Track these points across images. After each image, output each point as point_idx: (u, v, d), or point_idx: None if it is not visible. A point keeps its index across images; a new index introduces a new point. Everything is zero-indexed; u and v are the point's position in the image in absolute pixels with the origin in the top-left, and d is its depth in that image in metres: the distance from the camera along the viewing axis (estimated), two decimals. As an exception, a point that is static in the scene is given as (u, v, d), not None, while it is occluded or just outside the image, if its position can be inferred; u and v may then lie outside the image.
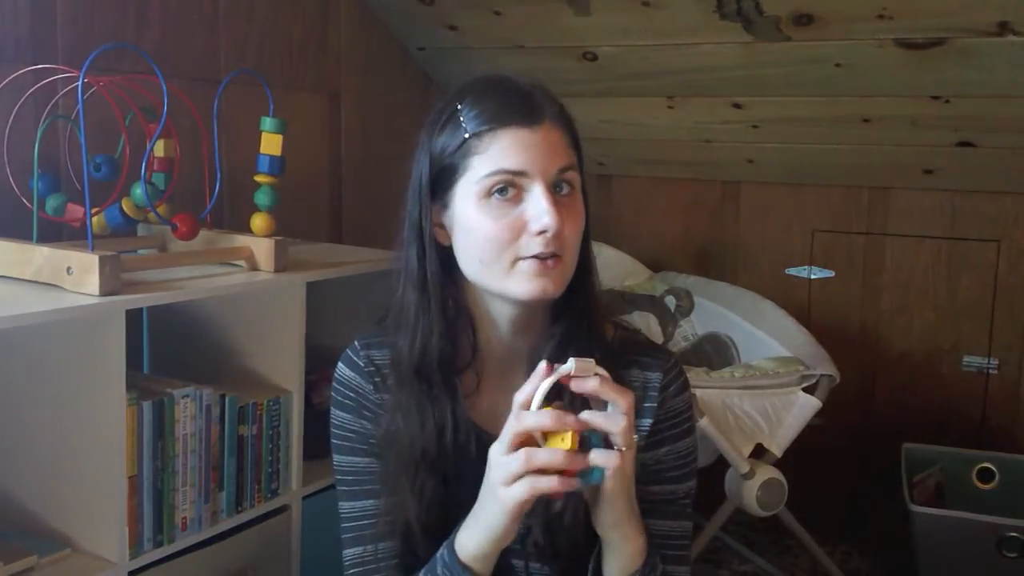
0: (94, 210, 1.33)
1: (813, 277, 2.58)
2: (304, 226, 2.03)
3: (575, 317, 1.01)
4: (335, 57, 2.19)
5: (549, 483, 0.86)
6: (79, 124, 1.25)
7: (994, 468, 2.30)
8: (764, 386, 2.01)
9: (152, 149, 1.42)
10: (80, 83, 1.23)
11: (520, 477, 0.86)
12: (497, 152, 0.94)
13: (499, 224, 0.94)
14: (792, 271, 2.60)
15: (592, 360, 0.89)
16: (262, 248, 1.50)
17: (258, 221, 1.52)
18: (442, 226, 1.01)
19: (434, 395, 1.01)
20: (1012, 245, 2.36)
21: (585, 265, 1.02)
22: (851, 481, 2.57)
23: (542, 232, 0.92)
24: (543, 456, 0.86)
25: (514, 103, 0.96)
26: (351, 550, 1.08)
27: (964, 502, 2.21)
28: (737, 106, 2.25)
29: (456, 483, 1.01)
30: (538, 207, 0.93)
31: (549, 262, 0.94)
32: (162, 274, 1.40)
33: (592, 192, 2.79)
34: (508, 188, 0.94)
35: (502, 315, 1.01)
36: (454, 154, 0.96)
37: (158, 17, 1.77)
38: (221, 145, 1.55)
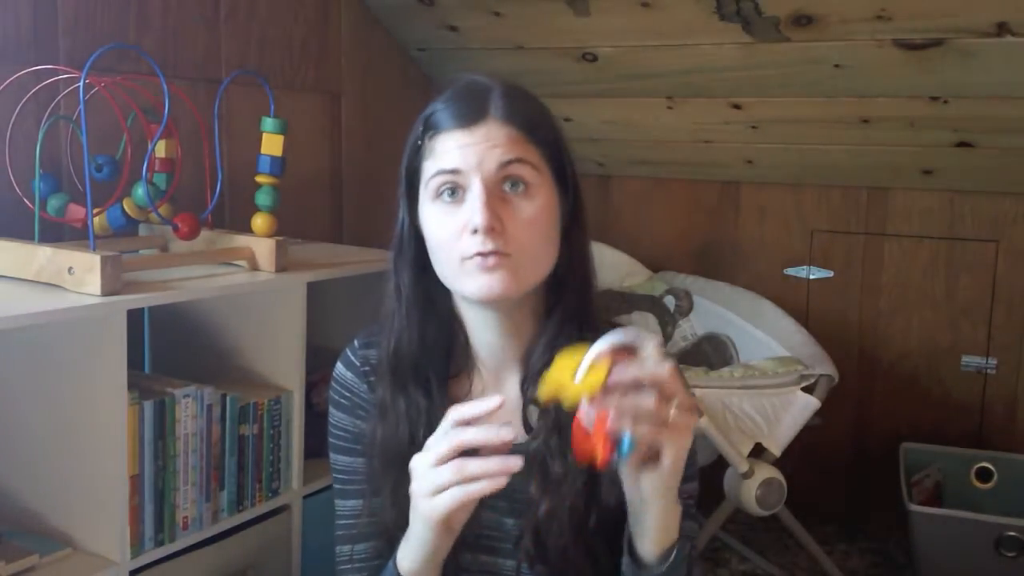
0: (96, 210, 1.33)
1: (812, 277, 2.58)
2: (305, 226, 2.04)
3: (566, 319, 1.00)
4: (336, 58, 2.20)
5: (479, 487, 0.83)
6: (81, 125, 1.25)
7: (992, 468, 2.30)
8: (763, 386, 2.02)
9: (153, 149, 1.42)
10: (82, 84, 1.23)
11: (446, 488, 0.84)
12: (437, 155, 0.95)
13: (445, 225, 0.95)
14: (791, 271, 2.60)
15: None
16: (263, 248, 1.51)
17: (259, 221, 1.53)
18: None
19: (409, 396, 1.02)
20: (1010, 245, 2.36)
21: (577, 264, 1.01)
22: (850, 480, 2.57)
23: (475, 230, 0.92)
24: (475, 467, 0.83)
25: (458, 106, 0.96)
26: (340, 547, 1.10)
27: (962, 502, 2.21)
28: (736, 107, 2.26)
29: None
30: (472, 205, 0.92)
31: (490, 260, 0.92)
32: (163, 274, 1.40)
33: (592, 192, 2.83)
34: (455, 189, 0.94)
35: (484, 318, 1.01)
36: (415, 159, 0.98)
37: (159, 18, 1.78)
38: (222, 145, 1.55)
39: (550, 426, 0.98)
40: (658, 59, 2.14)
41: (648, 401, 0.80)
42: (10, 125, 1.40)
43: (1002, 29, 1.74)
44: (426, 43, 2.36)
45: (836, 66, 1.98)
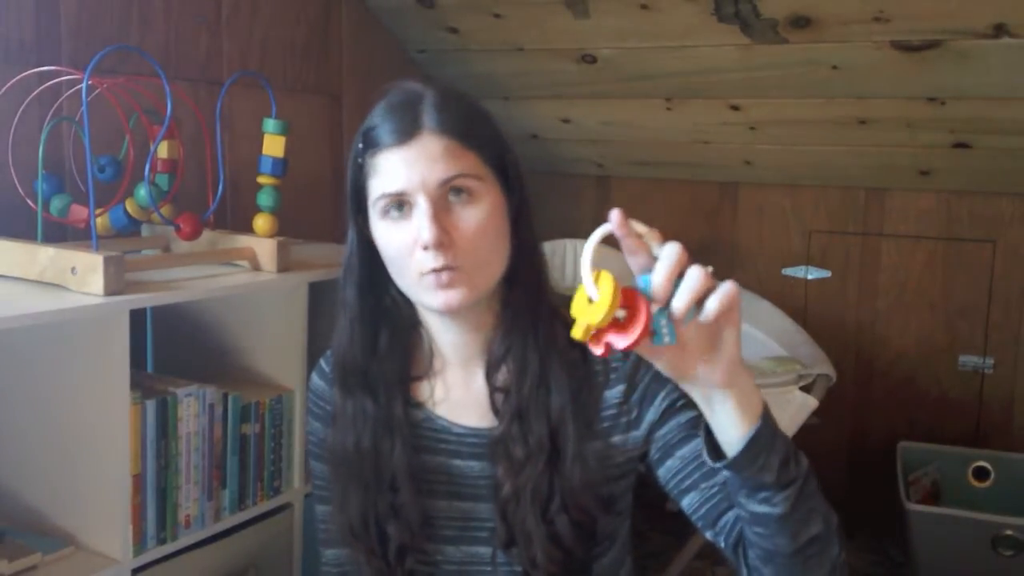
0: (98, 211, 1.34)
1: (810, 277, 2.59)
2: (306, 227, 2.04)
3: (520, 307, 1.03)
4: (336, 59, 2.21)
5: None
6: (83, 126, 1.26)
7: (989, 466, 2.31)
8: (761, 385, 2.00)
9: (156, 150, 1.42)
10: (84, 85, 1.23)
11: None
12: (380, 176, 0.97)
13: (397, 241, 0.97)
14: (789, 271, 2.61)
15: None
16: (264, 248, 1.52)
17: (260, 222, 1.54)
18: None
19: (356, 403, 1.05)
20: (1007, 245, 2.37)
21: (527, 255, 1.03)
22: (847, 480, 2.58)
23: (425, 247, 0.94)
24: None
25: (390, 122, 0.98)
26: (320, 549, 1.16)
27: (960, 500, 2.22)
28: (735, 108, 2.27)
29: (377, 490, 1.05)
30: (419, 222, 0.94)
31: (444, 276, 0.95)
32: (166, 274, 1.41)
33: (591, 192, 2.84)
34: (401, 206, 0.96)
35: (447, 321, 1.04)
36: (359, 176, 1.00)
37: (161, 19, 1.78)
38: (224, 146, 1.56)
39: (512, 411, 1.01)
40: (657, 60, 2.15)
41: (696, 278, 0.80)
42: (13, 126, 1.40)
43: (999, 31, 1.75)
44: (426, 44, 2.37)
45: (834, 67, 1.99)
